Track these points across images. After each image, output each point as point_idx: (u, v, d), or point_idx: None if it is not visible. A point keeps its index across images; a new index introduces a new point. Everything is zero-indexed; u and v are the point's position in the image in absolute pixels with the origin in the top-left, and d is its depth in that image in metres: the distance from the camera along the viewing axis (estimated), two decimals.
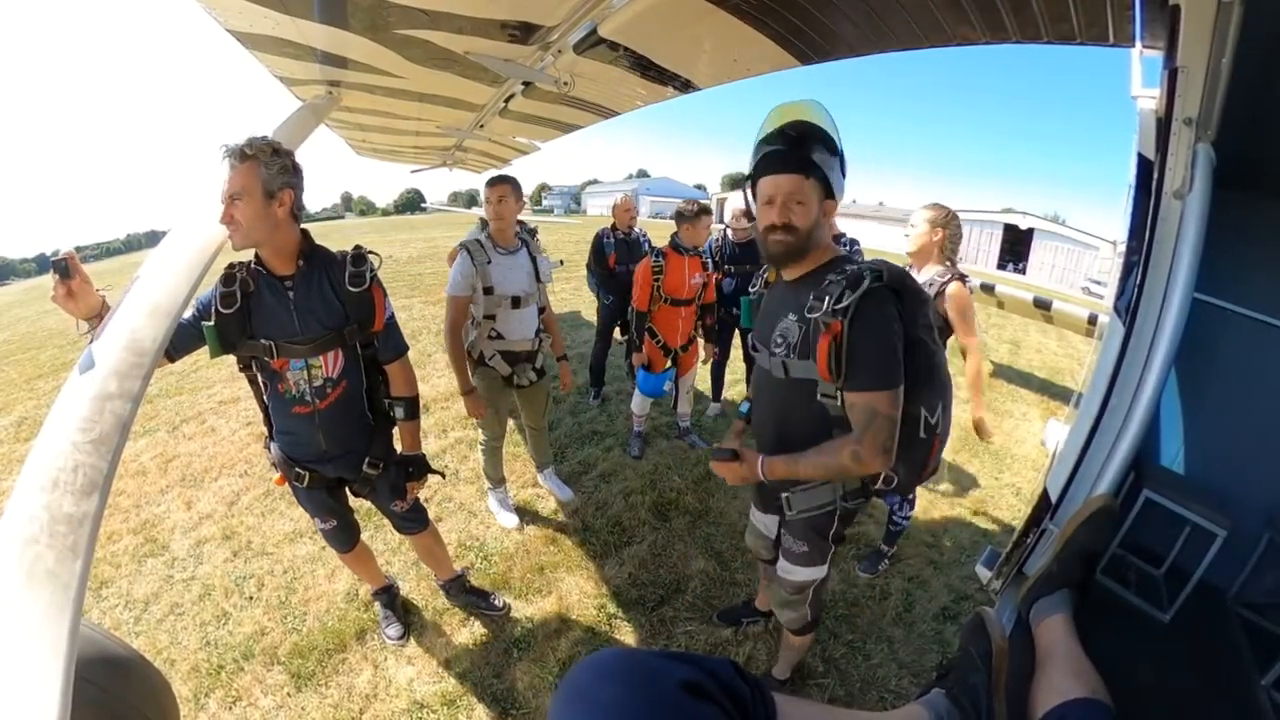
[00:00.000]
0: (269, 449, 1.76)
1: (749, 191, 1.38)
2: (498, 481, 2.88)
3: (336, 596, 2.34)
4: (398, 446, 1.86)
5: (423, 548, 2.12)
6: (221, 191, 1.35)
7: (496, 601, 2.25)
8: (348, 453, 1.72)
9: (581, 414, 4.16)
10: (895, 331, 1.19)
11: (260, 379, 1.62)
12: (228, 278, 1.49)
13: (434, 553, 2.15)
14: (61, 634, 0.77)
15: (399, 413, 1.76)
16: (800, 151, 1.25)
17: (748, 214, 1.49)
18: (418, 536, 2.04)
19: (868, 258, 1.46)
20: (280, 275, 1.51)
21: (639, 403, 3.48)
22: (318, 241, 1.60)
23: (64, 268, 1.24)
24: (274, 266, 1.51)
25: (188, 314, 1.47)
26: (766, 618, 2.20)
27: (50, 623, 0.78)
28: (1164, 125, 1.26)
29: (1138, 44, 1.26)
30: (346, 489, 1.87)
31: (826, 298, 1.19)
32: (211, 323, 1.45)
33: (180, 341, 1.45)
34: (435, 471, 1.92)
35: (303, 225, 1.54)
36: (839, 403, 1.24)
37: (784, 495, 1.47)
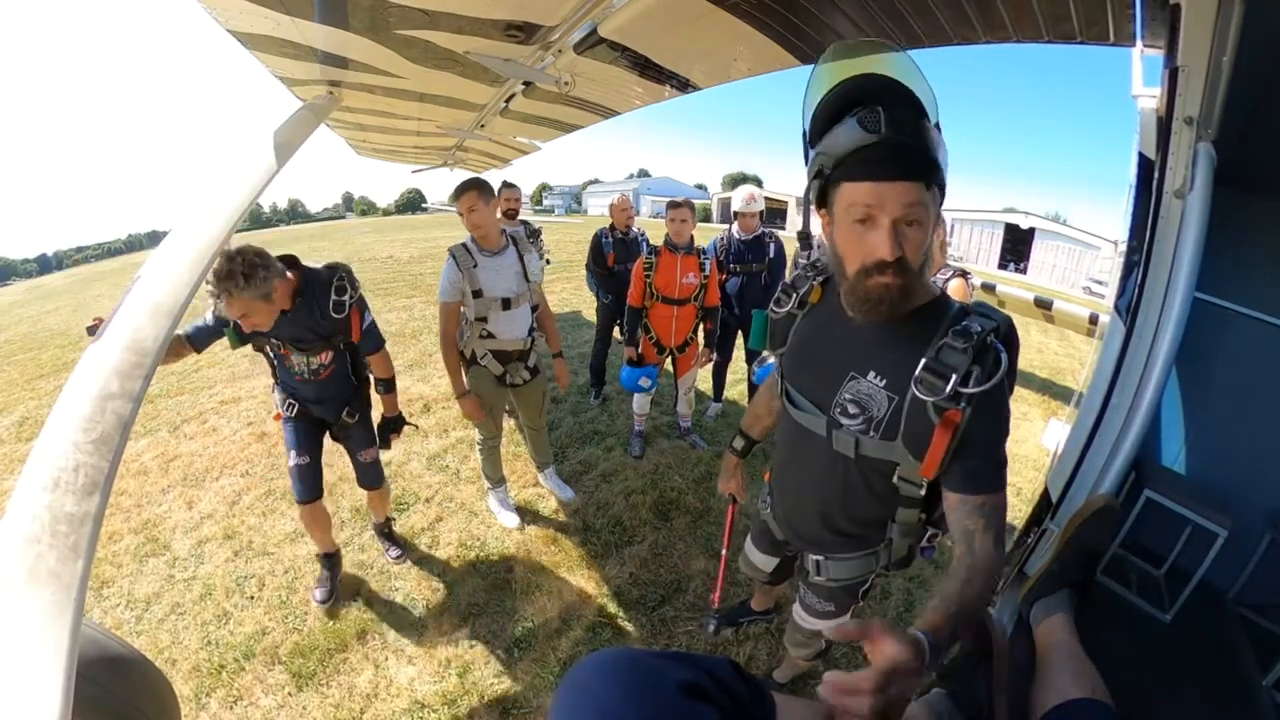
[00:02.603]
0: (274, 392, 2.21)
1: (812, 198, 0.96)
2: (497, 481, 2.88)
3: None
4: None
5: (374, 499, 2.54)
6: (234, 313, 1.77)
7: (393, 552, 2.57)
8: (334, 399, 2.19)
9: (582, 414, 4.16)
10: (1010, 410, 0.94)
11: (271, 354, 2.12)
12: None
13: (379, 503, 2.55)
14: (63, 633, 0.77)
15: (380, 389, 2.29)
16: (920, 145, 0.84)
17: (809, 219, 0.99)
18: (374, 493, 2.46)
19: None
20: (283, 309, 1.93)
21: (639, 402, 3.48)
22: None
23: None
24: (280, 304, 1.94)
25: (210, 319, 1.90)
26: (767, 618, 2.20)
27: (52, 622, 0.78)
28: (1165, 124, 1.26)
29: (1138, 43, 1.25)
30: (327, 435, 2.28)
31: (952, 375, 0.86)
32: (230, 326, 1.91)
33: (202, 338, 1.91)
34: (410, 424, 2.46)
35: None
36: (920, 489, 1.01)
37: (814, 559, 1.26)
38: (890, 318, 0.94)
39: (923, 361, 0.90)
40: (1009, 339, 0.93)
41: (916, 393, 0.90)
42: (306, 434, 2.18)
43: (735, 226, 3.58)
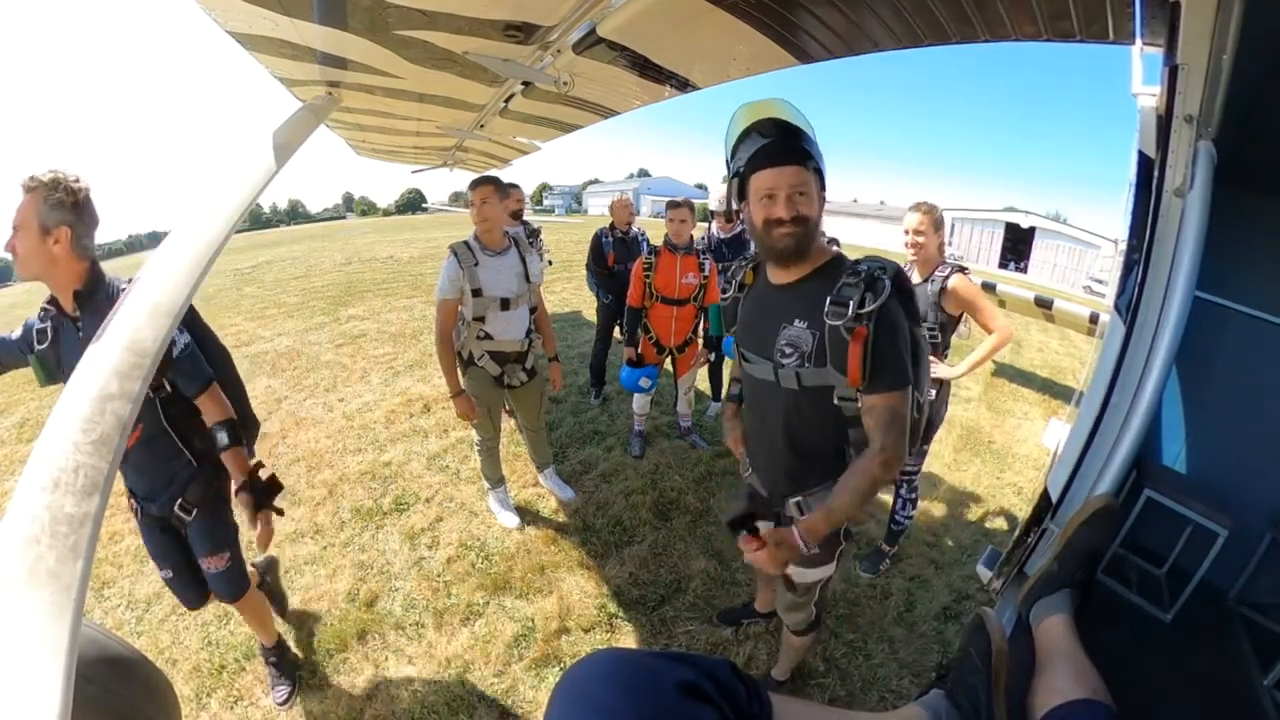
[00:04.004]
0: None
1: (734, 190, 1.34)
2: (496, 481, 2.88)
3: (338, 596, 2.35)
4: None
5: (243, 616, 1.87)
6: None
7: (279, 692, 1.89)
8: (166, 485, 1.59)
9: (582, 414, 4.16)
10: (908, 330, 1.23)
11: None
12: (42, 312, 1.48)
13: (252, 620, 1.89)
14: (63, 634, 0.77)
15: (221, 439, 1.56)
16: (797, 142, 1.24)
17: (728, 214, 1.36)
18: (238, 608, 1.79)
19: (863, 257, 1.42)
20: (70, 314, 1.43)
21: (640, 402, 3.48)
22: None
23: None
24: (63, 304, 1.44)
25: (17, 333, 1.49)
26: (767, 619, 2.20)
27: (52, 622, 0.78)
28: (1164, 123, 1.26)
29: (1138, 41, 1.25)
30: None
31: (850, 303, 1.16)
32: (32, 354, 1.46)
33: (2, 358, 1.49)
34: (276, 509, 1.64)
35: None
36: (856, 404, 1.25)
37: (793, 501, 1.42)
38: (796, 262, 1.29)
39: (828, 298, 1.19)
40: (899, 277, 1.22)
41: (829, 322, 1.19)
42: (164, 536, 1.67)
43: (714, 225, 3.62)
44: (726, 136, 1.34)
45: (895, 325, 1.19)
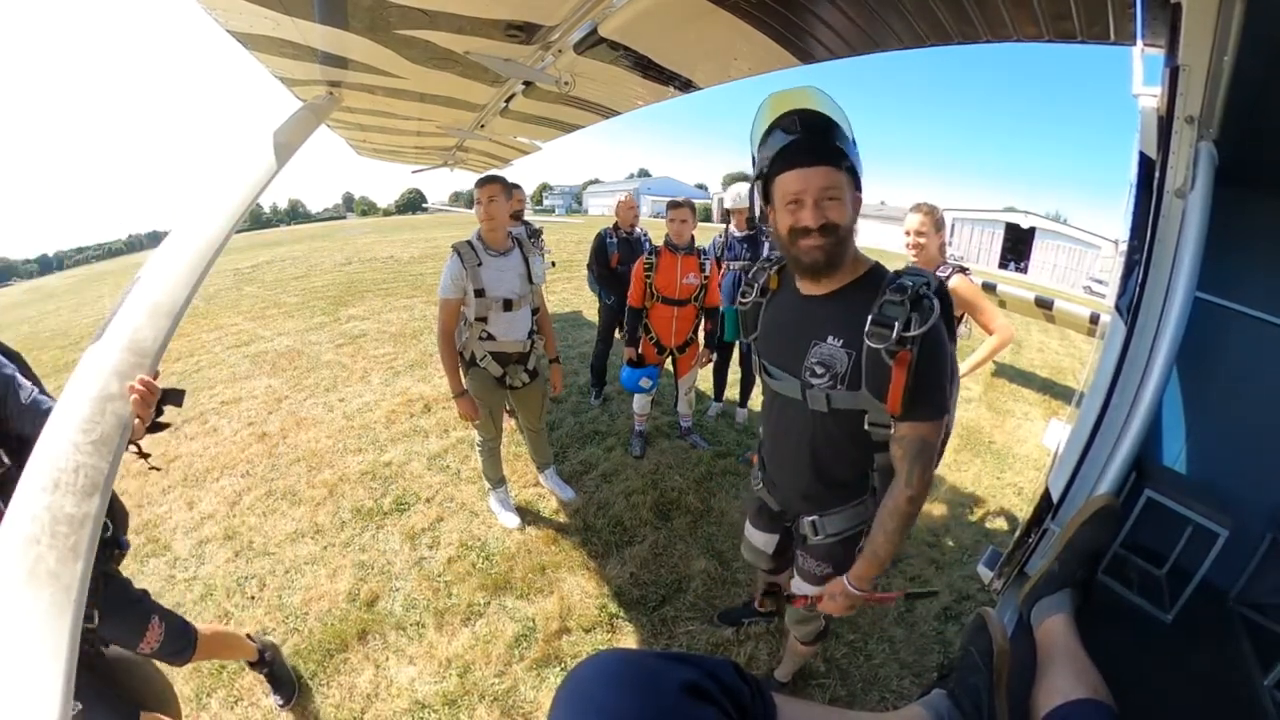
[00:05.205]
0: None
1: (757, 193, 1.20)
2: (497, 482, 2.88)
3: (338, 596, 2.35)
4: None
5: (212, 653, 1.67)
6: None
7: (280, 695, 1.85)
8: None
9: (583, 414, 4.16)
10: (951, 355, 1.14)
11: None
12: None
13: (222, 651, 1.74)
14: (63, 634, 0.78)
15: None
16: (827, 139, 1.10)
17: (750, 219, 1.37)
18: (195, 659, 1.54)
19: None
20: None
21: (640, 402, 3.48)
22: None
23: None
24: None
25: None
26: (768, 618, 2.20)
27: (52, 622, 0.78)
28: (1165, 123, 1.26)
29: (1139, 42, 1.25)
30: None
31: (895, 323, 1.03)
32: None
33: None
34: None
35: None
36: (889, 430, 1.15)
37: (810, 520, 1.35)
38: (826, 274, 1.16)
39: (869, 317, 1.08)
40: (940, 292, 1.11)
41: (869, 343, 1.07)
42: None
43: (733, 224, 3.62)
44: (752, 131, 1.20)
45: (941, 352, 1.08)
